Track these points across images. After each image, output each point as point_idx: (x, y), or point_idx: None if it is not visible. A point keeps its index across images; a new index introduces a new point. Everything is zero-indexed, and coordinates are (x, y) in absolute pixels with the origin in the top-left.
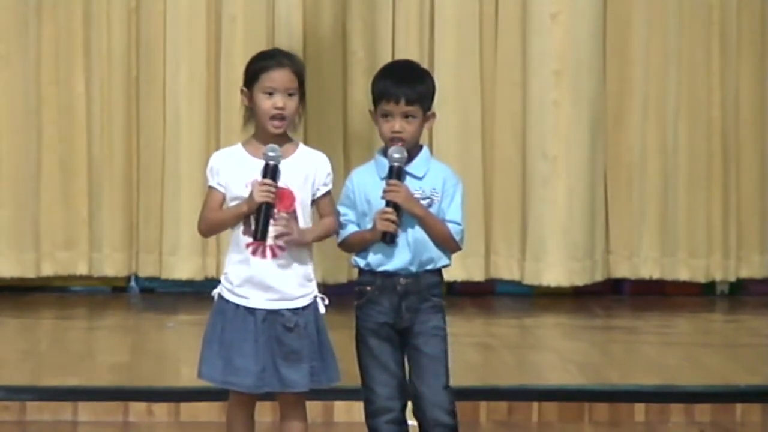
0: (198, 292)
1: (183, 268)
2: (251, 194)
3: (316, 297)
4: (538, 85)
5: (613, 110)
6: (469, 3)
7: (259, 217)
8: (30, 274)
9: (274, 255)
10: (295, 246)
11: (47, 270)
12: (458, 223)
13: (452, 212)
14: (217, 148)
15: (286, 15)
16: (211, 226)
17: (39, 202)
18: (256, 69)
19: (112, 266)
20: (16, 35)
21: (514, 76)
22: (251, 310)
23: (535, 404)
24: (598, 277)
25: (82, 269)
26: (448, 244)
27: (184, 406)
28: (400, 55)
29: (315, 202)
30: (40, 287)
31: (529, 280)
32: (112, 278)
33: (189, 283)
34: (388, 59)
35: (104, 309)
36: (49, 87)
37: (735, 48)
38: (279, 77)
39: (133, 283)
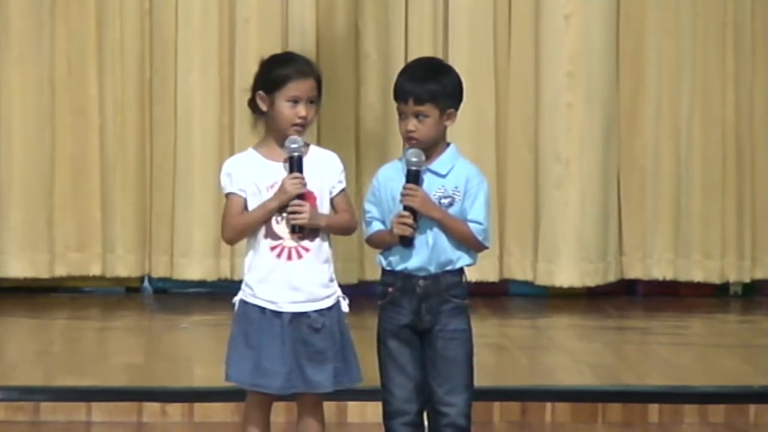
0: (211, 293)
1: (196, 268)
2: (281, 188)
3: (339, 297)
4: (551, 87)
5: (627, 112)
6: (482, 4)
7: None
8: (43, 274)
9: (299, 256)
10: (312, 225)
11: (60, 271)
12: (480, 223)
13: (474, 212)
14: (231, 149)
15: (299, 16)
16: (238, 232)
17: (52, 203)
18: (280, 76)
19: (125, 267)
20: (29, 37)
21: (527, 78)
22: (277, 313)
23: (549, 405)
24: (611, 278)
25: (95, 270)
26: (470, 244)
27: (197, 406)
28: (414, 57)
29: (331, 201)
30: (54, 288)
31: (542, 281)
32: (126, 279)
33: (202, 283)
34: (402, 61)
35: (118, 310)
36: (62, 89)
37: (749, 49)
38: (304, 87)
39: (146, 284)
